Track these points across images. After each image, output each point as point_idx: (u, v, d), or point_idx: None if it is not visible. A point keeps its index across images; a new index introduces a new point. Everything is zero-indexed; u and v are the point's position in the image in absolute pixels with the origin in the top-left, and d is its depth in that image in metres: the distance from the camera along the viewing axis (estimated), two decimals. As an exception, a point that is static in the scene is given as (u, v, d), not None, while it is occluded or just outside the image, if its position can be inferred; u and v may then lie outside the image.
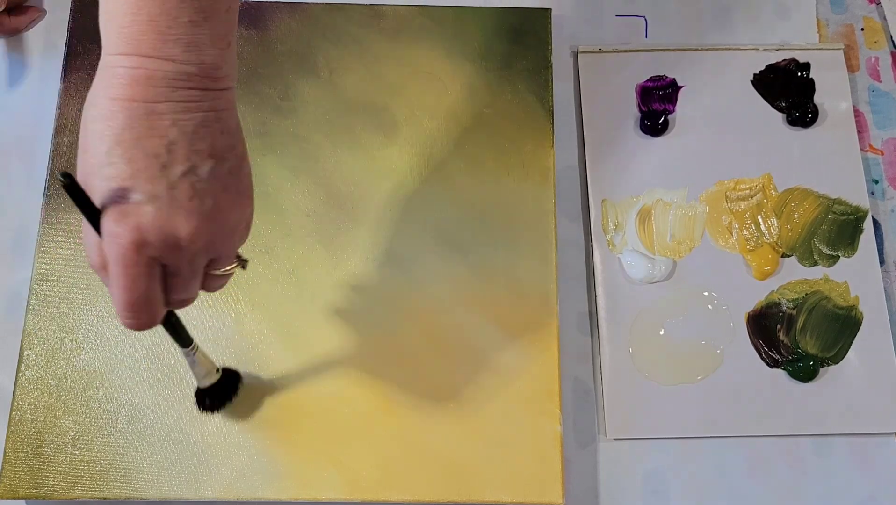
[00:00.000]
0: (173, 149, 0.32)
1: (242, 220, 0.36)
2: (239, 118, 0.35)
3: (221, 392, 0.47)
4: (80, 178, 0.33)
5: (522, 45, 0.55)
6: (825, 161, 0.55)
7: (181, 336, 0.41)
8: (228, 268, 0.37)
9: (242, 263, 0.38)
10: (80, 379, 0.48)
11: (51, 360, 0.48)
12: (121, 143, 0.31)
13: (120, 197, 0.32)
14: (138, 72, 0.31)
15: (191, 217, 0.32)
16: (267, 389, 0.48)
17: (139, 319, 0.34)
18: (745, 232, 0.53)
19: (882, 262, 0.53)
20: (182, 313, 0.49)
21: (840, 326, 0.51)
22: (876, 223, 0.54)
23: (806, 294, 0.52)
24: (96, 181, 0.32)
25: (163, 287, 0.34)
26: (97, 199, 0.32)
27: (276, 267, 0.50)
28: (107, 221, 0.32)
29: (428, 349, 0.49)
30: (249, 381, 0.48)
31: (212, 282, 0.37)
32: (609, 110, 0.56)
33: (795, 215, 0.54)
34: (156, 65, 0.32)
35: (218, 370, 0.46)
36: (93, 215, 0.32)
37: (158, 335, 0.49)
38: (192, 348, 0.43)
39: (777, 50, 0.57)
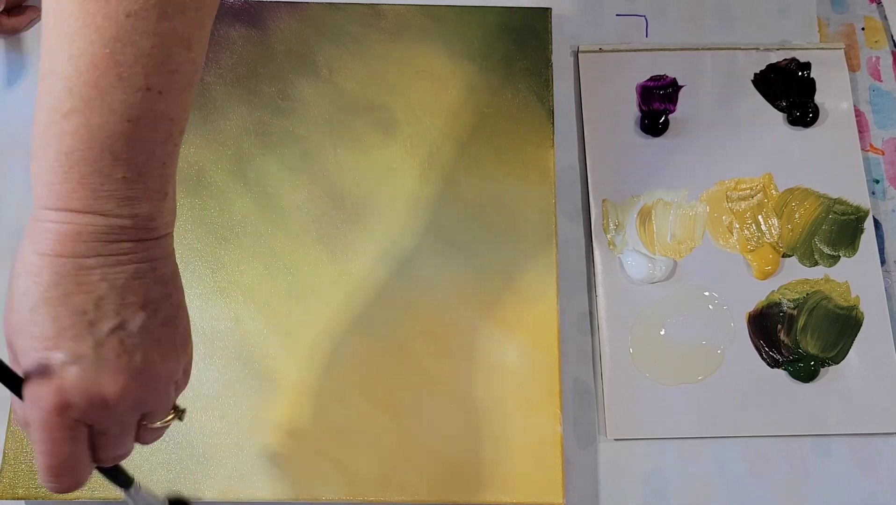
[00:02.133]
0: (102, 304, 0.31)
1: (177, 370, 0.34)
2: (176, 264, 0.34)
3: None
4: (7, 336, 0.31)
5: (523, 45, 0.55)
6: (826, 161, 0.55)
7: (119, 479, 0.37)
8: (165, 420, 0.35)
9: (179, 413, 0.36)
10: (79, 379, 0.48)
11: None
12: (46, 301, 0.30)
13: (43, 358, 0.30)
14: (67, 227, 0.30)
15: (118, 375, 0.31)
16: (266, 389, 0.48)
17: (61, 483, 0.32)
18: (746, 232, 0.53)
19: (883, 262, 0.53)
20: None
21: (841, 326, 0.51)
22: (877, 223, 0.54)
23: (807, 294, 0.52)
24: (20, 340, 0.31)
25: (91, 445, 0.32)
26: (22, 359, 0.31)
27: (276, 267, 0.50)
28: (28, 385, 0.30)
29: (428, 349, 0.49)
30: (250, 381, 0.48)
31: (147, 435, 0.35)
32: (609, 110, 0.56)
33: (796, 215, 0.54)
34: (86, 220, 0.30)
35: (165, 500, 0.43)
36: (14, 380, 0.31)
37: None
38: (135, 487, 0.39)
39: (778, 49, 0.57)
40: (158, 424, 0.35)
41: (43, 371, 0.30)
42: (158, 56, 0.30)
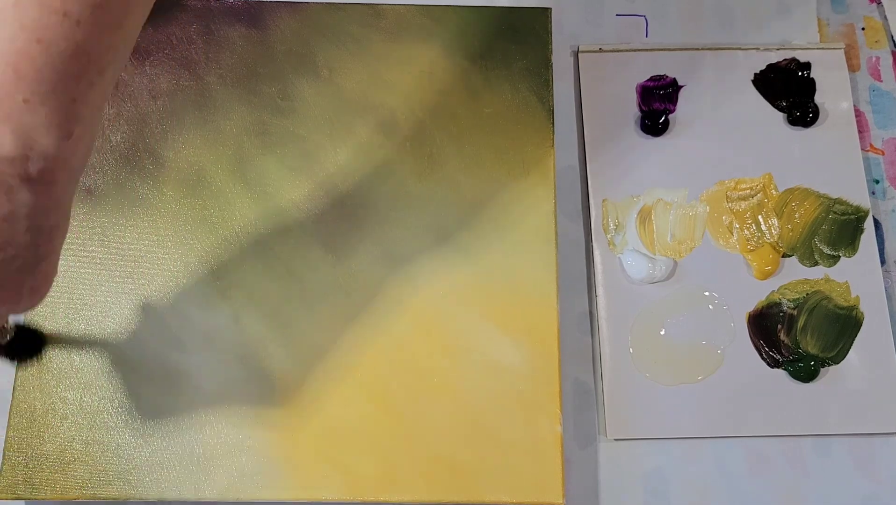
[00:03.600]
0: None
1: (14, 310, 0.33)
2: (67, 216, 0.33)
3: (17, 349, 0.46)
4: None
5: (522, 45, 0.55)
6: (826, 161, 0.55)
7: None
8: None
9: (4, 332, 0.35)
10: (79, 379, 0.48)
11: (50, 360, 0.48)
12: None
13: None
14: None
15: None
16: (267, 389, 0.48)
17: None
18: (746, 232, 0.53)
19: (883, 262, 0.53)
20: (182, 312, 0.49)
21: (841, 326, 0.51)
22: (877, 223, 0.54)
23: (807, 294, 0.52)
24: None
25: None
26: None
27: (276, 267, 0.50)
28: None
29: (428, 349, 0.49)
30: (249, 381, 0.48)
31: None
32: (609, 110, 0.56)
33: (796, 215, 0.54)
34: None
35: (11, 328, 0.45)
36: None
37: (160, 335, 0.49)
38: None
39: (778, 49, 0.57)
40: None
41: None
42: None
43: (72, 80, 0.30)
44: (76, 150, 0.31)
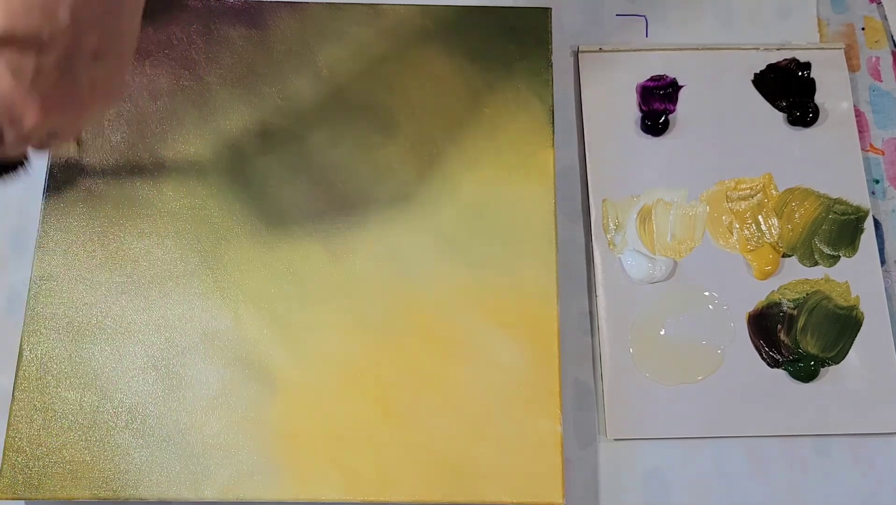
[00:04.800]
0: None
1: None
2: (119, 18, 0.32)
3: None
4: None
5: (523, 45, 0.55)
6: (826, 161, 0.55)
7: None
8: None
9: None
10: (79, 379, 0.48)
11: (50, 360, 0.48)
12: None
13: None
14: None
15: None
16: (267, 389, 0.48)
17: None
18: (746, 232, 0.53)
19: (883, 262, 0.53)
20: (182, 312, 0.49)
21: (841, 326, 0.51)
22: (877, 223, 0.54)
23: (807, 294, 0.52)
24: None
25: None
26: None
27: (276, 267, 0.50)
28: None
29: (428, 349, 0.49)
30: (249, 381, 0.48)
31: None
32: (609, 110, 0.56)
33: (796, 215, 0.54)
34: None
35: None
36: None
37: (160, 335, 0.49)
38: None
39: (778, 49, 0.57)
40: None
41: None
42: None
43: None
44: None
